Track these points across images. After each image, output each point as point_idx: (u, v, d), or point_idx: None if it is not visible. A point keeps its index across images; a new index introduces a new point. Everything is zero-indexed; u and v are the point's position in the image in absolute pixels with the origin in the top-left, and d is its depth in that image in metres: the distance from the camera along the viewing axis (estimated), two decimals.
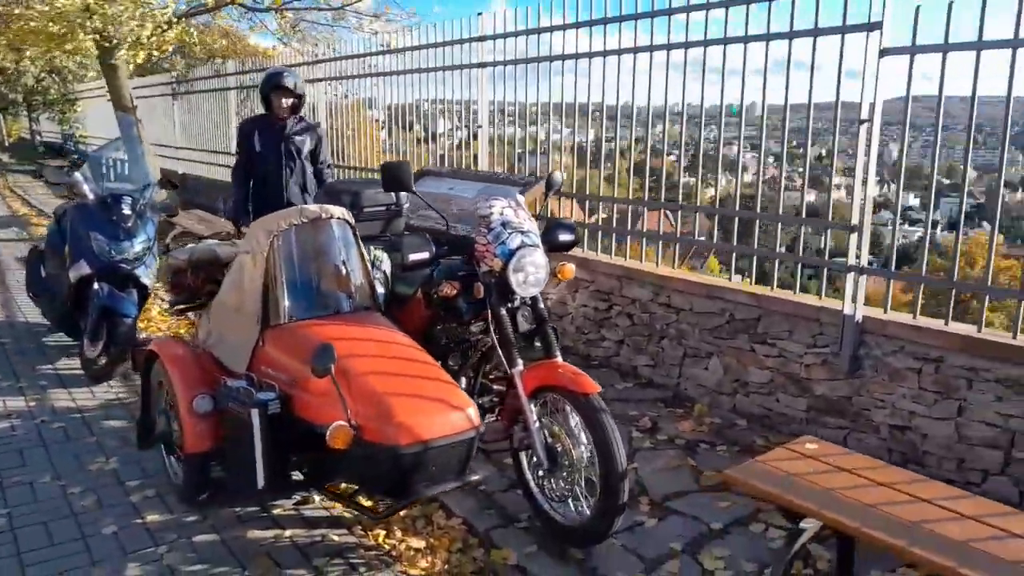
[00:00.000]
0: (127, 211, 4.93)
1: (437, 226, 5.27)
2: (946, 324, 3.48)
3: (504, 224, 3.15)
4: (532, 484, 3.19)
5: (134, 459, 3.80)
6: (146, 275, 5.01)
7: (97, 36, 8.22)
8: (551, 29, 5.38)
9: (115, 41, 8.39)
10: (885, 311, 3.73)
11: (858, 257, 3.74)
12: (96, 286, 4.80)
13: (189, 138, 12.95)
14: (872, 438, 3.71)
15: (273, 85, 5.03)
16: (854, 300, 3.72)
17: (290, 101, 5.06)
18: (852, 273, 3.73)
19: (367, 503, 3.14)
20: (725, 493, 3.52)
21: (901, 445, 3.61)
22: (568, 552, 3.03)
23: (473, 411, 2.71)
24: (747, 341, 4.27)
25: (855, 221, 3.72)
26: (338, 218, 3.21)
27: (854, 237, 3.74)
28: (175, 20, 8.39)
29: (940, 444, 3.49)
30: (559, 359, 3.19)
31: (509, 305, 3.19)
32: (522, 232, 3.17)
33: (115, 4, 7.76)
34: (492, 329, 3.13)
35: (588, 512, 2.98)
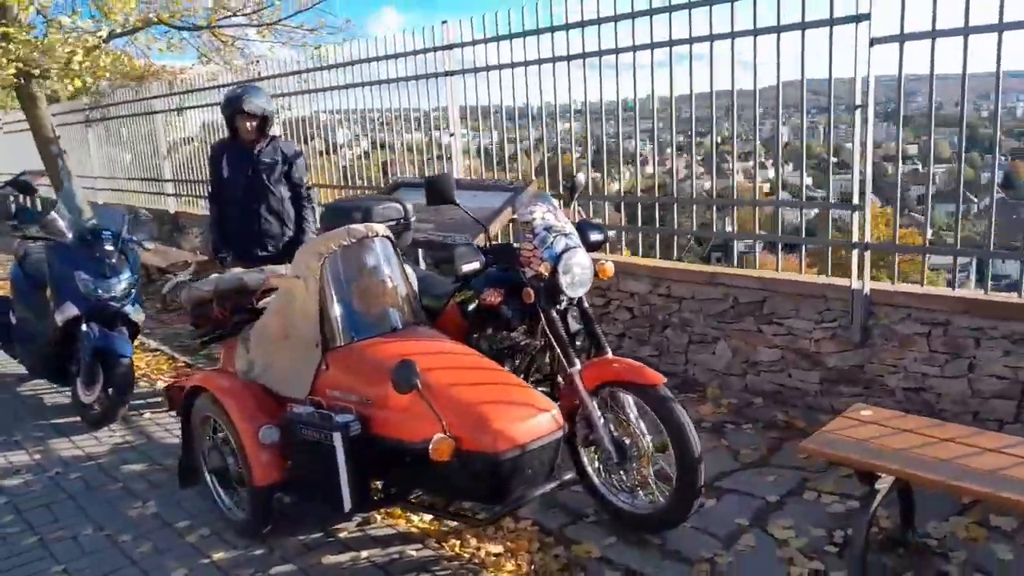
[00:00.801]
0: (109, 247, 4.74)
1: (433, 237, 5.35)
2: (953, 289, 3.75)
3: (547, 228, 3.23)
4: (595, 479, 3.28)
5: (171, 501, 3.70)
6: (135, 312, 4.85)
7: (20, 64, 7.84)
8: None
9: (39, 70, 8.03)
10: (893, 282, 3.98)
11: (862, 234, 3.98)
12: (85, 327, 4.61)
13: (111, 167, 12.46)
14: (888, 401, 3.96)
15: (233, 110, 4.69)
16: (861, 275, 3.96)
17: (254, 123, 4.71)
18: (857, 249, 3.97)
19: (431, 510, 3.17)
20: (766, 468, 3.70)
21: (916, 405, 3.86)
22: (645, 539, 3.13)
23: (557, 412, 2.78)
24: (754, 323, 4.47)
25: (856, 200, 3.96)
26: (382, 235, 3.22)
27: (857, 215, 3.98)
28: (104, 43, 8.07)
29: (955, 400, 3.76)
30: (610, 354, 3.29)
31: (558, 307, 3.26)
32: (565, 235, 3.26)
33: (47, 31, 7.42)
34: (548, 331, 3.20)
35: (662, 499, 3.09)
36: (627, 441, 3.12)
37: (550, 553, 3.12)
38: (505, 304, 3.33)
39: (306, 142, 7.87)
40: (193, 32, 8.60)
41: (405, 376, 2.55)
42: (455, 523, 3.26)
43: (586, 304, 3.33)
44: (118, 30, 7.68)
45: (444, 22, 5.82)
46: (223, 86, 8.58)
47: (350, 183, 7.61)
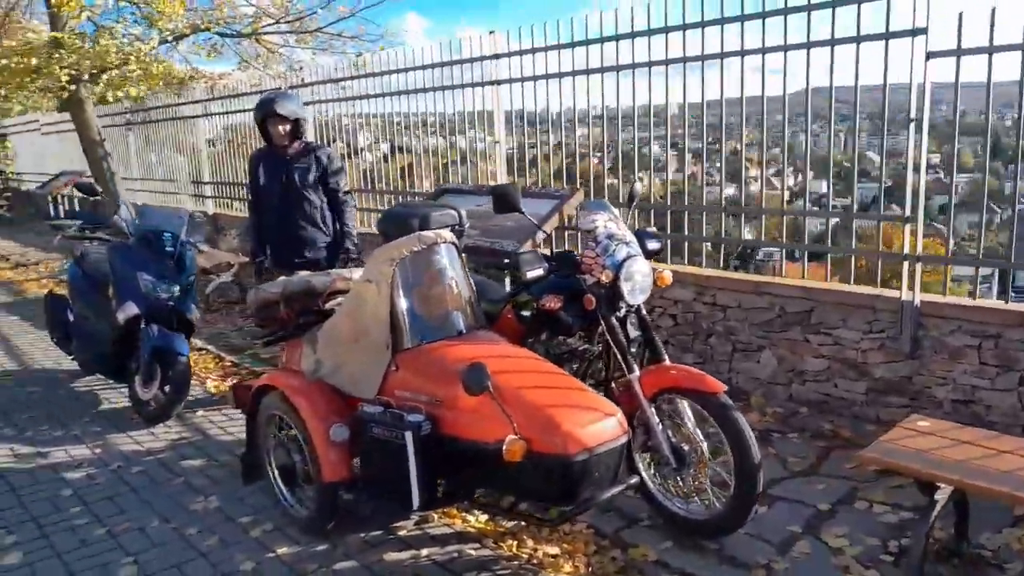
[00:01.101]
0: (169, 248, 4.88)
1: (480, 243, 5.45)
2: (1006, 302, 3.79)
3: (609, 236, 3.31)
4: (651, 484, 3.34)
5: (232, 496, 3.80)
6: (192, 311, 4.98)
7: (72, 71, 8.05)
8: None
9: (89, 75, 8.24)
10: (944, 295, 4.02)
11: (913, 246, 4.02)
12: (145, 327, 4.75)
13: (151, 169, 12.71)
14: (937, 412, 3.98)
15: (265, 113, 4.66)
16: (912, 287, 4.00)
17: (286, 127, 4.69)
18: (908, 261, 4.01)
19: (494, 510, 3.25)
20: (815, 477, 3.75)
21: (965, 417, 3.89)
22: (701, 544, 3.19)
23: (622, 417, 2.84)
24: (800, 332, 4.52)
25: (908, 212, 4.00)
26: (448, 241, 3.31)
27: (908, 227, 4.02)
28: (156, 53, 8.26)
29: (1005, 413, 3.79)
30: (667, 361, 3.36)
31: (617, 314, 3.34)
32: (626, 243, 3.33)
33: (102, 41, 7.62)
34: (608, 337, 3.27)
35: (718, 505, 3.15)
36: (685, 447, 3.18)
37: (607, 556, 3.19)
38: (564, 310, 3.41)
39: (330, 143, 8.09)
40: (235, 39, 8.70)
41: (477, 378, 2.63)
42: (520, 523, 3.34)
43: (644, 311, 3.40)
44: (169, 37, 7.83)
45: (491, 32, 5.93)
46: (265, 91, 8.75)
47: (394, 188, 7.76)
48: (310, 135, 5.05)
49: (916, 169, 3.90)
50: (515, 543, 3.29)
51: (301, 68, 8.66)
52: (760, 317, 4.69)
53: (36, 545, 3.42)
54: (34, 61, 7.69)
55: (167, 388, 4.77)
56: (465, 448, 2.85)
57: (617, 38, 5.18)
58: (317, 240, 4.83)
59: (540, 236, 5.03)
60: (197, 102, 10.53)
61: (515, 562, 3.16)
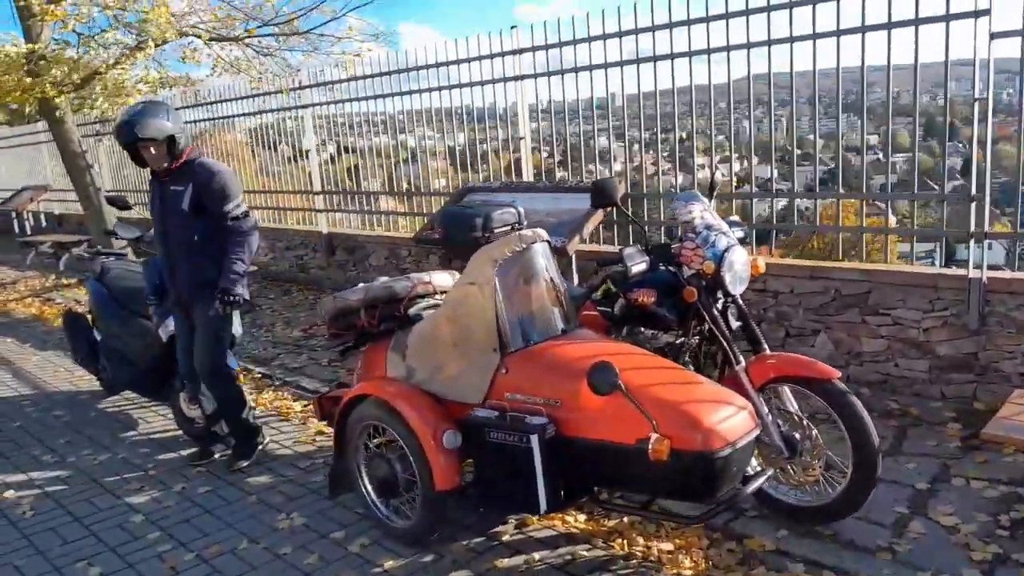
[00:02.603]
0: None
1: None
2: None
3: (708, 227, 3.28)
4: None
5: (313, 511, 3.69)
6: (234, 325, 4.81)
7: (60, 86, 7.79)
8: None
9: (73, 88, 7.96)
10: (1013, 270, 4.08)
11: (979, 225, 4.07)
12: None
13: (118, 182, 12.38)
14: (1005, 387, 4.05)
15: (126, 141, 3.88)
16: (978, 264, 4.05)
17: (160, 149, 3.89)
18: (975, 239, 4.06)
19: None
20: (901, 456, 3.77)
21: None
22: (815, 531, 3.18)
23: (752, 409, 2.81)
24: (858, 314, 4.55)
25: (974, 192, 4.05)
26: (544, 240, 3.24)
27: (973, 206, 4.07)
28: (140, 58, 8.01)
29: None
30: (768, 350, 3.34)
31: (717, 305, 3.31)
32: (724, 233, 3.30)
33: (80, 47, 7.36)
34: (714, 328, 3.24)
35: (831, 491, 3.14)
36: (797, 435, 3.16)
37: (722, 548, 3.15)
38: (660, 303, 3.36)
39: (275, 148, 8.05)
40: (223, 43, 8.49)
41: (606, 377, 2.58)
42: (623, 520, 3.30)
43: (740, 301, 3.37)
44: (159, 43, 7.60)
45: (514, 27, 5.88)
46: (266, 94, 8.58)
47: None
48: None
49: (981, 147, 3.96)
50: (625, 542, 3.24)
51: (299, 71, 8.43)
52: (814, 301, 4.71)
53: None
54: (18, 76, 7.37)
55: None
56: (593, 448, 2.79)
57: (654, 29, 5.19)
58: (201, 276, 4.00)
59: (587, 231, 4.99)
60: (192, 107, 10.28)
61: (632, 561, 3.12)
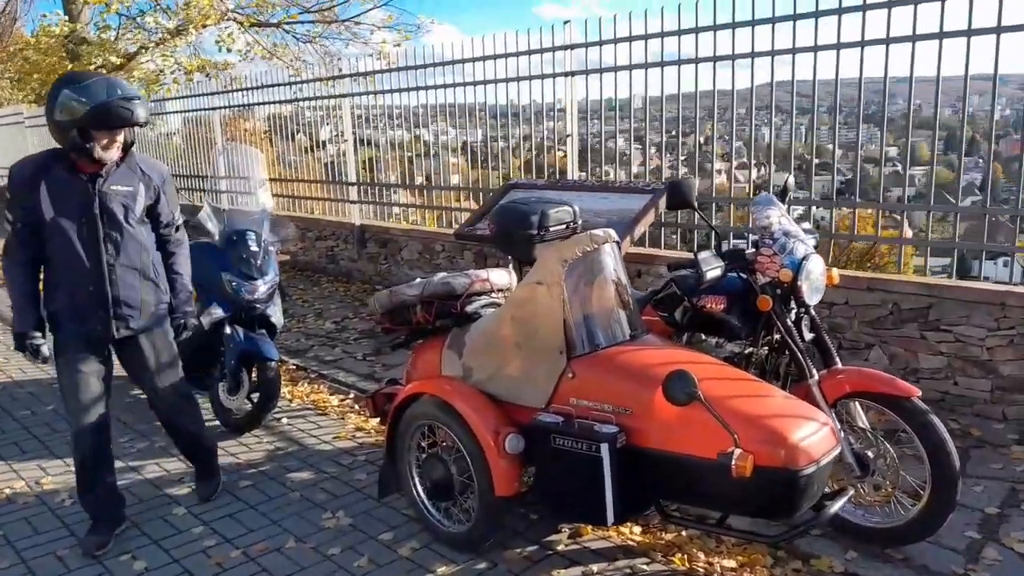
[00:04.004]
0: (254, 247, 4.62)
1: None
2: None
3: (786, 234, 3.16)
4: None
5: (358, 510, 3.60)
6: (276, 314, 4.73)
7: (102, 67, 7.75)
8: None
9: (112, 70, 7.92)
10: None
11: None
12: (229, 330, 4.50)
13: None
14: None
15: (102, 118, 2.99)
16: None
17: (120, 139, 3.14)
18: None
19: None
20: (967, 479, 3.63)
21: None
22: (885, 553, 3.06)
23: (834, 425, 2.70)
24: (916, 329, 4.42)
25: (1020, 206, 3.92)
26: (613, 240, 3.13)
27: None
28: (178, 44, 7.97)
29: None
30: (839, 364, 3.22)
31: (790, 316, 3.19)
32: (801, 240, 3.18)
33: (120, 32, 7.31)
34: (788, 339, 3.12)
35: (903, 512, 3.02)
36: (869, 454, 3.05)
37: (788, 567, 3.05)
38: (730, 312, 3.25)
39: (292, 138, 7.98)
40: (262, 29, 8.43)
41: (683, 386, 2.47)
42: (681, 533, 3.19)
43: (813, 312, 3.25)
44: (199, 28, 7.54)
45: (567, 22, 5.76)
46: (304, 82, 8.51)
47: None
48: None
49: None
50: (685, 556, 3.13)
51: (340, 58, 8.36)
52: (871, 314, 4.58)
53: (171, 571, 3.18)
54: (58, 57, 7.35)
55: (254, 396, 4.53)
56: (666, 460, 2.68)
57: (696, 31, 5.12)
58: (152, 300, 3.39)
59: (638, 232, 4.88)
60: (213, 94, 10.20)
61: None
